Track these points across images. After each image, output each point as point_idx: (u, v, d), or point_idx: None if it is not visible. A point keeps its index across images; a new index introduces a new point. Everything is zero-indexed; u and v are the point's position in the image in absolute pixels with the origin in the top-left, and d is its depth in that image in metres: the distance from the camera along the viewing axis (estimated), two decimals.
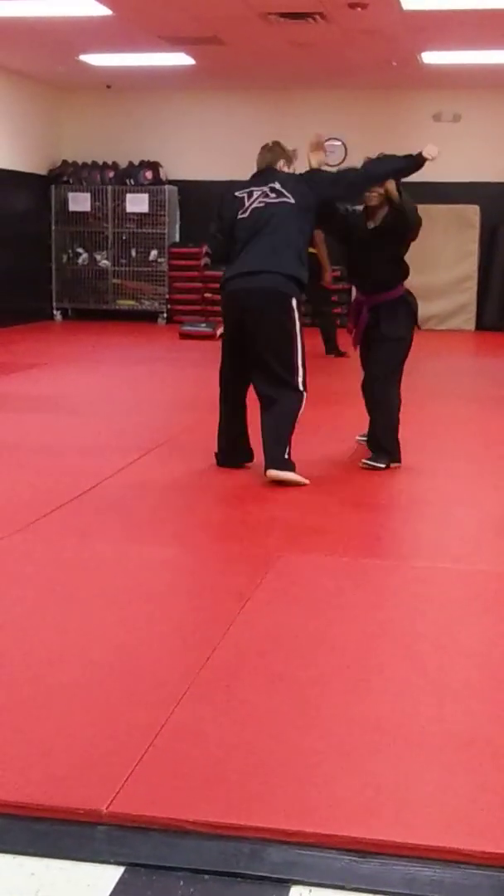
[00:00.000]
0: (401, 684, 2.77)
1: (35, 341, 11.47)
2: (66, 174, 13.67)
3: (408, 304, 5.28)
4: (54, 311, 13.92)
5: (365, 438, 5.55)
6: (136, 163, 13.60)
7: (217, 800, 2.17)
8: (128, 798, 2.17)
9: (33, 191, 13.31)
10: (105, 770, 2.27)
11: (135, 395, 7.73)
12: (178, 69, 11.82)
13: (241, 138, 13.24)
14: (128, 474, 5.12)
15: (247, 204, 4.97)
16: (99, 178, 13.63)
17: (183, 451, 5.63)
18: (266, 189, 4.99)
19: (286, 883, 1.96)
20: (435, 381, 8.35)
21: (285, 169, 5.17)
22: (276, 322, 4.87)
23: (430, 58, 10.82)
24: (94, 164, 13.74)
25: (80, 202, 13.61)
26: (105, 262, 13.76)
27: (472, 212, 12.91)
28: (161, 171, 13.55)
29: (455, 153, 12.77)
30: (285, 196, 4.95)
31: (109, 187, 13.56)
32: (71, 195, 13.61)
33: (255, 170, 5.20)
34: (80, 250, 13.81)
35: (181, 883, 1.95)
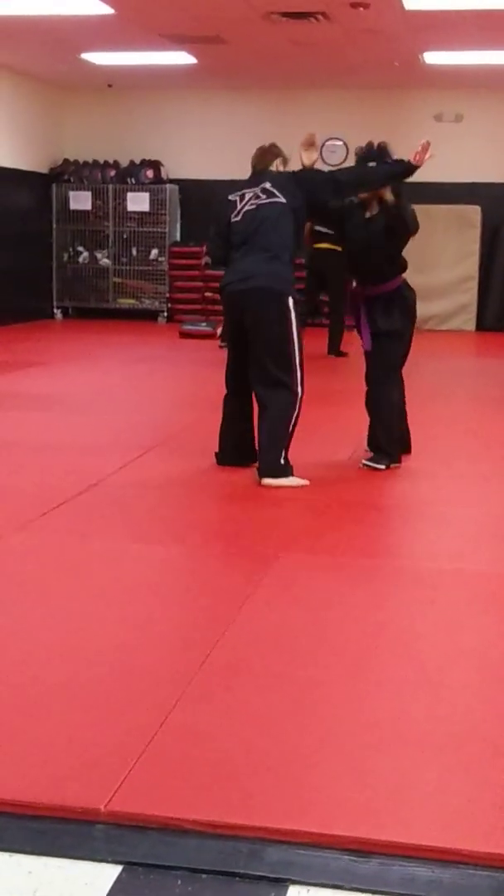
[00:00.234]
0: (400, 684, 2.77)
1: (35, 340, 11.47)
2: (68, 173, 13.67)
3: (404, 298, 5.22)
4: (55, 310, 13.93)
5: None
6: (138, 161, 13.60)
7: (215, 799, 2.17)
8: (126, 797, 2.17)
9: (34, 189, 13.31)
10: (103, 769, 2.27)
11: (135, 394, 7.73)
12: (179, 68, 11.81)
13: (243, 138, 13.21)
14: (127, 473, 5.12)
15: (239, 207, 5.02)
16: (100, 177, 13.63)
17: (183, 449, 5.63)
18: (258, 190, 5.03)
19: (284, 882, 1.96)
20: (435, 382, 8.34)
21: (280, 168, 5.19)
22: (272, 321, 4.88)
23: (432, 58, 10.82)
24: (96, 162, 13.74)
25: (81, 201, 13.61)
26: (106, 260, 13.76)
27: (474, 212, 12.90)
28: (162, 169, 13.55)
29: (456, 153, 12.78)
30: (276, 196, 4.98)
31: (110, 186, 13.56)
32: (72, 194, 13.61)
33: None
34: (80, 249, 13.82)
35: (179, 882, 1.95)
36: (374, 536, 4.30)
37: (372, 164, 5.14)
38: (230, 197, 5.09)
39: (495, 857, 2.00)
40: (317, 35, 9.77)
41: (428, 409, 6.85)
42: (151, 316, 13.71)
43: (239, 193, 5.07)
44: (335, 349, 9.90)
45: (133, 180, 13.52)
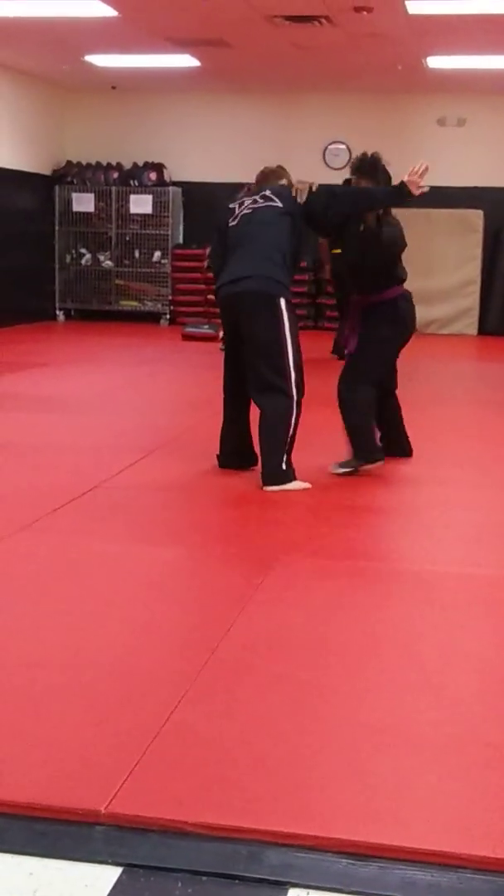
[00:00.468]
0: (400, 687, 2.77)
1: (37, 341, 11.48)
2: (71, 175, 13.69)
3: (397, 308, 5.17)
4: (57, 312, 13.94)
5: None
6: (141, 164, 13.62)
7: (216, 801, 2.17)
8: (126, 799, 2.17)
9: (37, 191, 13.32)
10: (104, 770, 2.27)
11: (137, 396, 7.74)
12: (183, 71, 11.83)
13: (246, 140, 13.28)
14: (129, 475, 5.12)
15: (237, 212, 5.09)
16: (103, 179, 13.64)
17: (185, 452, 5.63)
18: (256, 197, 5.10)
19: (284, 885, 1.96)
20: (437, 386, 8.35)
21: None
22: (265, 324, 4.87)
23: (435, 62, 10.83)
24: (99, 164, 13.75)
25: (83, 203, 13.63)
26: (108, 262, 13.77)
27: (476, 216, 12.91)
28: (165, 172, 13.56)
29: (459, 158, 12.80)
30: (273, 201, 5.04)
31: (113, 188, 13.57)
32: (75, 196, 13.63)
33: (257, 171, 5.32)
34: (83, 251, 13.83)
35: (179, 884, 1.95)
36: (374, 539, 4.30)
37: (368, 184, 5.09)
38: (230, 205, 5.18)
39: (495, 861, 2.00)
40: (320, 39, 9.78)
41: (429, 413, 6.86)
42: (154, 318, 13.72)
43: (239, 201, 5.16)
44: (339, 351, 9.90)
45: (136, 182, 13.54)
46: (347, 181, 5.47)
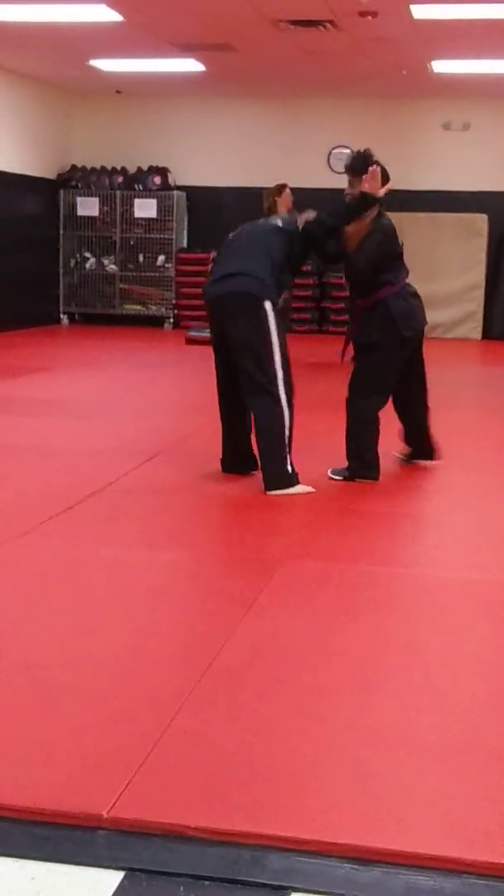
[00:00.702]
0: (403, 691, 2.77)
1: (41, 345, 11.49)
2: (75, 179, 13.71)
3: (387, 308, 5.07)
4: (61, 316, 13.95)
5: (404, 455, 5.57)
6: (145, 168, 13.64)
7: (218, 806, 2.17)
8: (129, 803, 2.17)
9: (42, 195, 13.35)
10: (106, 775, 2.27)
11: (140, 400, 7.74)
12: (188, 75, 11.85)
13: (251, 145, 13.29)
14: (132, 479, 5.12)
15: (239, 229, 5.22)
16: (107, 183, 13.66)
17: (188, 455, 5.63)
18: (259, 220, 5.33)
19: (286, 890, 1.96)
20: (441, 390, 8.30)
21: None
22: (250, 325, 4.87)
23: (441, 66, 10.84)
24: (103, 168, 13.77)
25: (88, 207, 13.65)
26: (112, 266, 13.79)
27: (481, 221, 12.90)
28: (169, 176, 13.58)
29: (464, 162, 12.81)
30: (274, 219, 5.26)
31: (118, 192, 13.59)
32: (79, 200, 13.65)
33: (261, 176, 5.36)
34: (87, 255, 13.85)
35: (181, 888, 1.95)
36: (378, 544, 4.30)
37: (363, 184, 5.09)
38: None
39: (498, 866, 2.00)
40: (325, 43, 9.79)
41: (433, 418, 6.84)
42: (158, 322, 13.73)
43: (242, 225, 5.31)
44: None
45: (140, 187, 13.55)
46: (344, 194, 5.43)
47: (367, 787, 2.25)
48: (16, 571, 3.72)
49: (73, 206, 13.68)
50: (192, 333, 12.04)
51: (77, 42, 10.34)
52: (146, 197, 13.50)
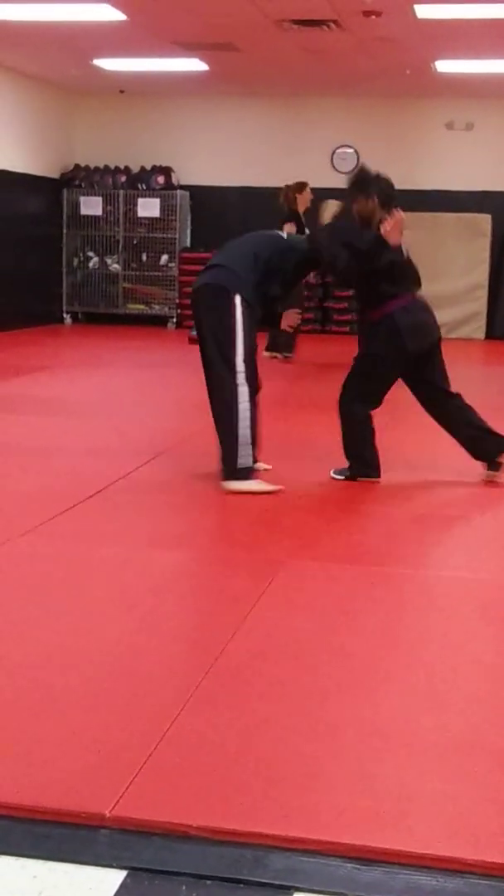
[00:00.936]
0: (406, 692, 2.77)
1: (44, 344, 11.50)
2: (79, 178, 13.71)
3: (393, 322, 4.99)
4: (64, 315, 13.96)
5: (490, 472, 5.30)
6: (149, 167, 13.64)
7: (220, 805, 2.17)
8: (131, 802, 2.17)
9: (45, 194, 13.35)
10: (108, 774, 2.27)
11: (143, 399, 7.74)
12: (191, 75, 11.85)
13: (254, 144, 13.29)
14: (135, 478, 5.12)
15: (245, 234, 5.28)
16: (111, 183, 13.67)
17: (191, 455, 5.63)
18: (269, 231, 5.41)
19: (288, 889, 1.96)
20: None
21: None
22: (217, 316, 4.87)
23: (444, 66, 10.83)
24: (107, 168, 13.77)
25: (91, 206, 13.65)
26: (115, 266, 13.79)
27: (484, 221, 12.89)
28: (173, 175, 13.58)
29: (467, 162, 12.80)
30: (279, 230, 5.39)
31: (121, 191, 13.59)
32: (83, 199, 13.65)
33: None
34: (90, 254, 13.85)
35: (183, 888, 1.95)
36: (381, 544, 4.30)
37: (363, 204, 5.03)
38: None
39: (500, 866, 2.00)
40: (329, 43, 9.79)
41: None
42: (161, 322, 13.73)
43: None
44: None
45: (144, 186, 13.55)
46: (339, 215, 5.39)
47: (368, 787, 2.26)
48: (16, 571, 3.72)
49: (77, 206, 13.69)
50: (195, 333, 12.03)
51: (80, 41, 10.34)
52: (149, 196, 13.50)
